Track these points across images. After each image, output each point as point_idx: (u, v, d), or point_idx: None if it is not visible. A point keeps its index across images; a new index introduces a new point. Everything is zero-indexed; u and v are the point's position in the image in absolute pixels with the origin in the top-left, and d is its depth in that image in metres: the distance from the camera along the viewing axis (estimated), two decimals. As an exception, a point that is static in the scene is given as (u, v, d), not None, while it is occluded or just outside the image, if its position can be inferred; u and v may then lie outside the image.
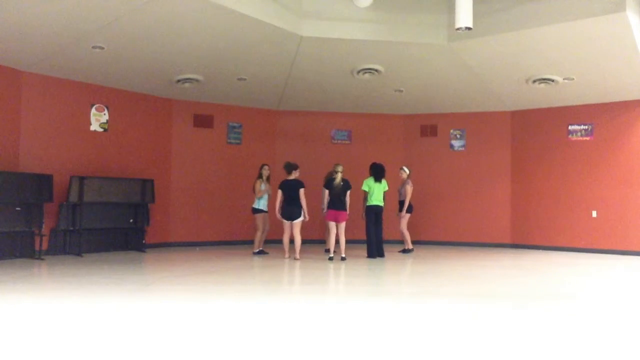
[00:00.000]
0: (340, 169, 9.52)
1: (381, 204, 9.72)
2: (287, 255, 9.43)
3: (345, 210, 9.41)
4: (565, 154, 11.61)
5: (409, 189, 10.44)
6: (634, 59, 9.16)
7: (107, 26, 7.91)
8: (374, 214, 9.68)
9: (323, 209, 9.74)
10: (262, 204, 9.94)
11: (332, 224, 9.37)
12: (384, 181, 9.75)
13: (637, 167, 10.89)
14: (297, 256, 9.31)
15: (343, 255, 9.29)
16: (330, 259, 9.20)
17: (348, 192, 9.42)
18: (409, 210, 10.49)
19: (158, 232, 11.03)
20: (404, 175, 10.58)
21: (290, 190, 9.36)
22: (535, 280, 7.56)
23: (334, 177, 9.49)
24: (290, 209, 9.34)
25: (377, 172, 9.71)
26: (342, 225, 9.41)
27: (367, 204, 9.71)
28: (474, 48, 9.32)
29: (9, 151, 9.08)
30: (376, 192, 9.65)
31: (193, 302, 5.52)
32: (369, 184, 9.68)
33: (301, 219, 9.35)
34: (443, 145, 12.76)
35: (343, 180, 9.43)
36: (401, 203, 10.49)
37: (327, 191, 9.53)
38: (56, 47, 8.54)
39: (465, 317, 4.93)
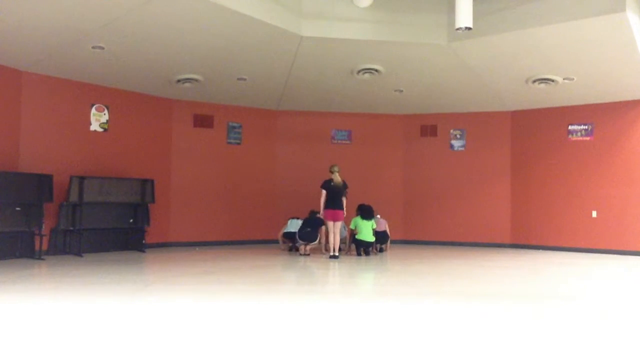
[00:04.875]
0: (337, 169, 9.62)
1: (371, 239, 9.96)
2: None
3: (343, 209, 9.54)
4: (565, 154, 11.61)
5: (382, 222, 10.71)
6: (634, 59, 9.16)
7: (107, 26, 7.91)
8: (362, 247, 9.99)
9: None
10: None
11: (331, 223, 9.50)
12: (372, 220, 9.98)
13: (637, 167, 10.89)
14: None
15: (336, 254, 9.48)
16: (331, 257, 9.43)
17: (345, 192, 9.55)
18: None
19: (158, 232, 11.03)
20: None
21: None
22: (535, 280, 7.56)
23: (331, 178, 9.57)
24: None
25: (365, 212, 9.94)
26: (339, 224, 9.58)
27: (357, 237, 9.91)
28: (474, 48, 9.32)
29: (9, 151, 9.08)
30: (364, 230, 9.88)
31: (193, 302, 5.52)
32: (356, 222, 9.92)
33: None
34: (443, 145, 12.76)
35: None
36: (385, 234, 10.67)
37: (324, 192, 9.59)
38: (56, 47, 8.55)
39: (466, 318, 4.92)
